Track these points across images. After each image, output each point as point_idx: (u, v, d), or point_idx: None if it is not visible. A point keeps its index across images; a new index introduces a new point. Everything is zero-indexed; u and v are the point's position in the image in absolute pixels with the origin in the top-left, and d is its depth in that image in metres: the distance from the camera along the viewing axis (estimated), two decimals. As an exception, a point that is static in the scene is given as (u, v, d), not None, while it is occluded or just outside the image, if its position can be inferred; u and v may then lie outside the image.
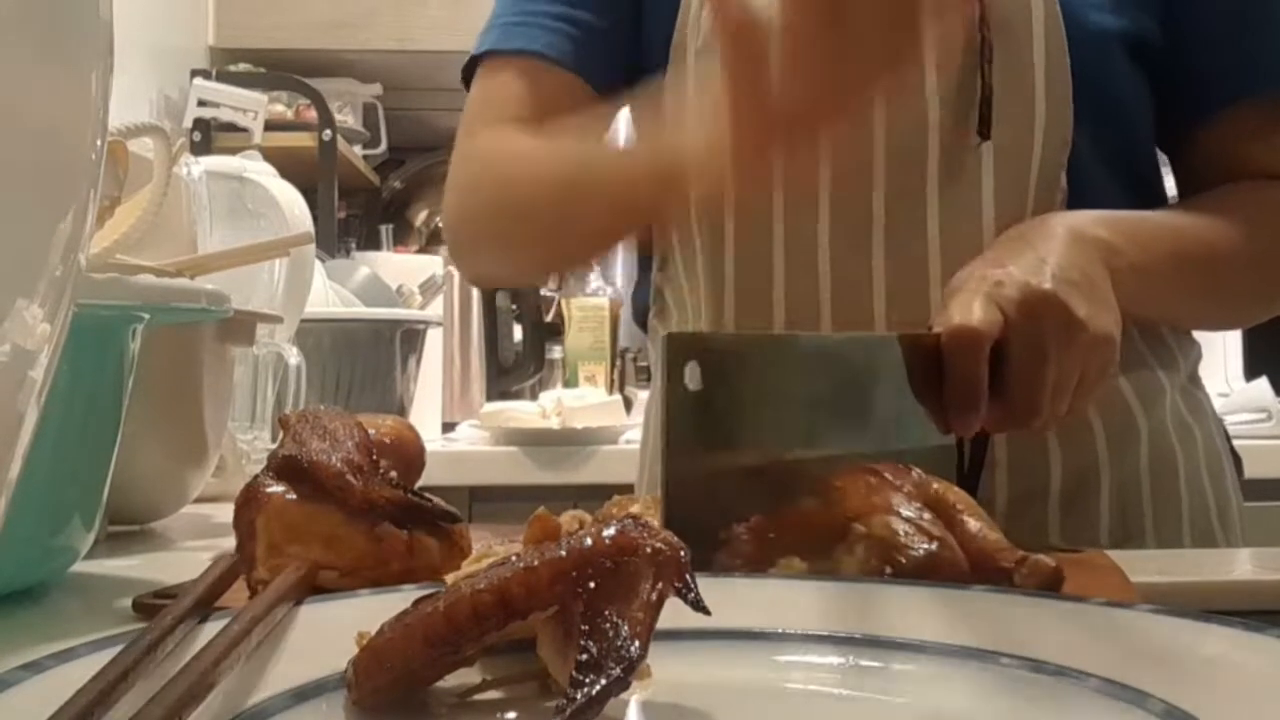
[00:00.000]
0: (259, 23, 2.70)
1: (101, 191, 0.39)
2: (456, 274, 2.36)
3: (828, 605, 0.47)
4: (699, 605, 0.38)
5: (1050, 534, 0.86)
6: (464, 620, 0.37)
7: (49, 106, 0.27)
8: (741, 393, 0.63)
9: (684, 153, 0.70)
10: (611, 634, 0.36)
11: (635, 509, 0.60)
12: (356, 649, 0.39)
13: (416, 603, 0.39)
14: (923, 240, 0.85)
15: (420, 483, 0.58)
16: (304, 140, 2.56)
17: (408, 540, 0.53)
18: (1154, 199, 0.94)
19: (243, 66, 2.66)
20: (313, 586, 0.49)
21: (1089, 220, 0.80)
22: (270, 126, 2.53)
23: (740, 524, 0.58)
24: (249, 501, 0.53)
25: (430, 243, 3.11)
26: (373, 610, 0.40)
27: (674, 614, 0.39)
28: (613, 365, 2.63)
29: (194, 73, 2.54)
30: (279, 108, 2.65)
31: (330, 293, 1.82)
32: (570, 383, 2.57)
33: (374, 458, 0.55)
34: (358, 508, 0.53)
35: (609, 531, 0.38)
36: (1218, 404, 1.05)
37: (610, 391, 2.50)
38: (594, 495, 0.84)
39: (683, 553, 0.39)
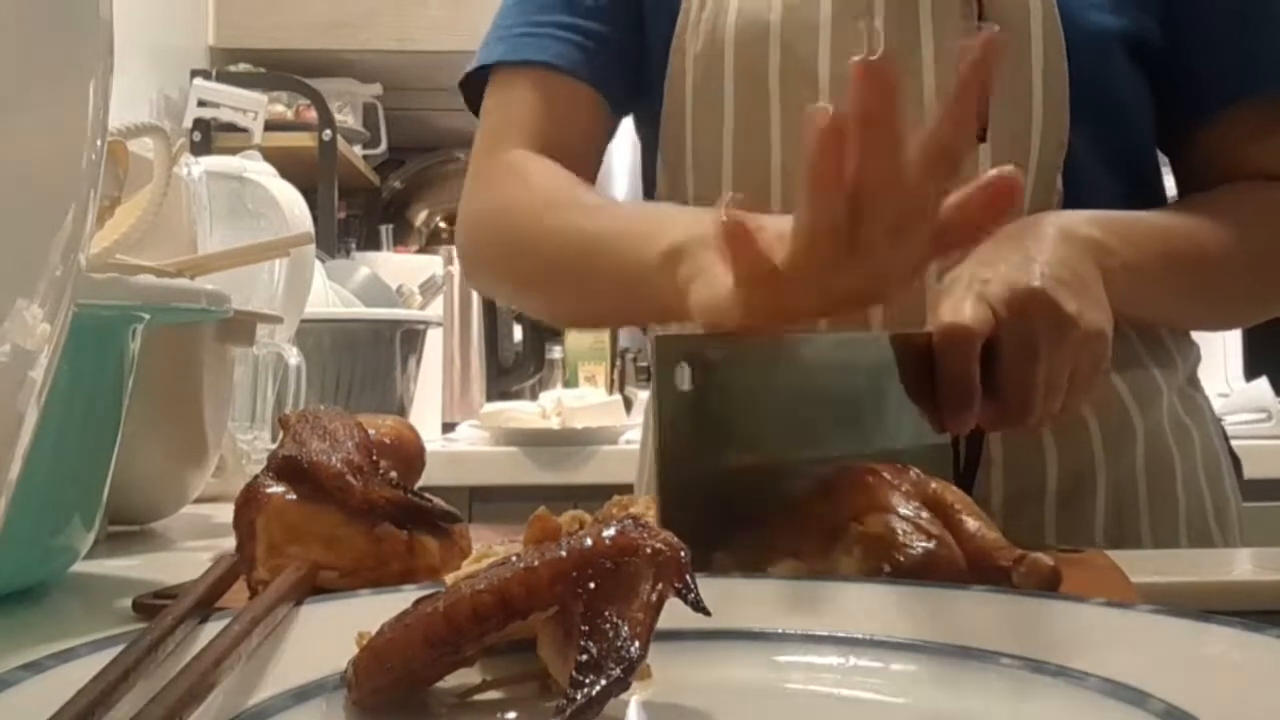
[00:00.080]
0: (259, 23, 2.70)
1: (101, 191, 0.39)
2: (456, 274, 2.36)
3: (827, 605, 0.47)
4: (699, 605, 0.38)
5: (1046, 534, 0.86)
6: (464, 620, 0.37)
7: (49, 106, 0.27)
8: (735, 393, 0.63)
9: (691, 293, 0.71)
10: (611, 634, 0.36)
11: (635, 509, 0.60)
12: (356, 649, 0.39)
13: (416, 603, 0.39)
14: None
15: (420, 483, 0.58)
16: (304, 140, 2.56)
17: (408, 540, 0.53)
18: (1154, 200, 0.94)
19: (243, 66, 2.67)
20: (313, 587, 0.49)
21: (1080, 219, 0.80)
22: (270, 126, 2.53)
23: (738, 525, 0.58)
24: (249, 502, 0.53)
25: (430, 243, 3.11)
26: (373, 610, 0.40)
27: (674, 614, 0.39)
28: (613, 365, 2.64)
29: (194, 73, 2.54)
30: (279, 108, 2.65)
31: (330, 293, 1.82)
32: (570, 383, 2.58)
33: (374, 458, 0.55)
34: (358, 508, 0.53)
35: (609, 532, 0.38)
36: (1217, 404, 1.05)
37: (610, 391, 2.50)
38: (594, 495, 0.84)
39: (683, 553, 0.39)
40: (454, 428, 2.35)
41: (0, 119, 0.26)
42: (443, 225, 3.12)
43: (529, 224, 0.91)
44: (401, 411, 1.81)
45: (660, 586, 0.38)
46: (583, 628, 0.36)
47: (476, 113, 1.01)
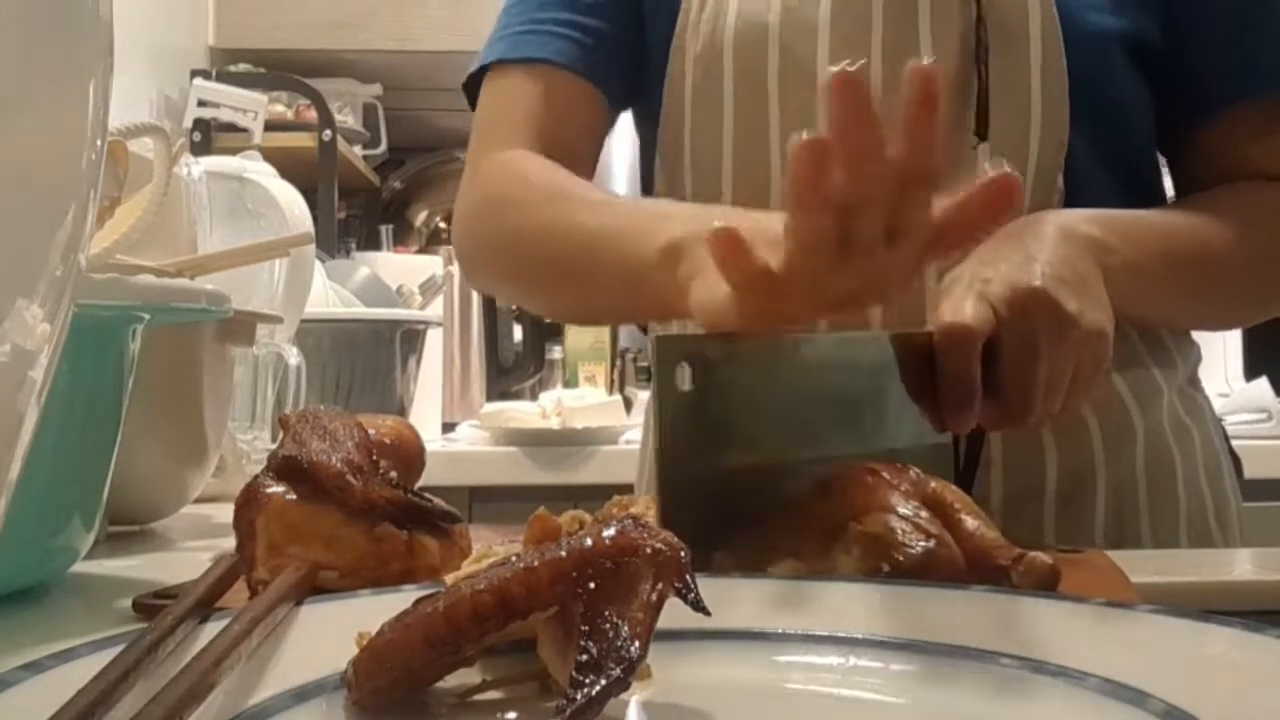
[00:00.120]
0: (259, 23, 2.70)
1: (101, 191, 0.39)
2: (456, 274, 2.36)
3: (827, 605, 0.47)
4: (699, 605, 0.38)
5: (1045, 533, 0.86)
6: (464, 620, 0.37)
7: (49, 106, 0.27)
8: (735, 393, 0.63)
9: (691, 292, 0.71)
10: (611, 634, 0.36)
11: (635, 509, 0.60)
12: (356, 649, 0.39)
13: (416, 603, 0.39)
14: None
15: (420, 483, 0.58)
16: (304, 140, 2.56)
17: (408, 540, 0.53)
18: (1153, 200, 0.93)
19: (243, 67, 2.66)
20: (313, 586, 0.49)
21: (1081, 218, 0.80)
22: (270, 127, 2.53)
23: (738, 525, 0.58)
24: (249, 502, 0.53)
25: (430, 243, 3.11)
26: (373, 610, 0.40)
27: (674, 614, 0.39)
28: (613, 365, 2.64)
29: (194, 73, 2.54)
30: (279, 108, 2.65)
31: (330, 293, 1.82)
32: (570, 383, 2.58)
33: (374, 458, 0.55)
34: (358, 508, 0.53)
35: (609, 532, 0.38)
36: (1218, 404, 1.05)
37: (610, 391, 2.50)
38: (594, 495, 0.84)
39: (683, 553, 0.39)
40: (454, 428, 2.35)
41: (0, 119, 0.26)
42: (443, 225, 3.13)
43: (530, 218, 0.91)
44: (401, 411, 1.81)
45: (660, 586, 0.38)
46: (583, 628, 0.36)
47: None
